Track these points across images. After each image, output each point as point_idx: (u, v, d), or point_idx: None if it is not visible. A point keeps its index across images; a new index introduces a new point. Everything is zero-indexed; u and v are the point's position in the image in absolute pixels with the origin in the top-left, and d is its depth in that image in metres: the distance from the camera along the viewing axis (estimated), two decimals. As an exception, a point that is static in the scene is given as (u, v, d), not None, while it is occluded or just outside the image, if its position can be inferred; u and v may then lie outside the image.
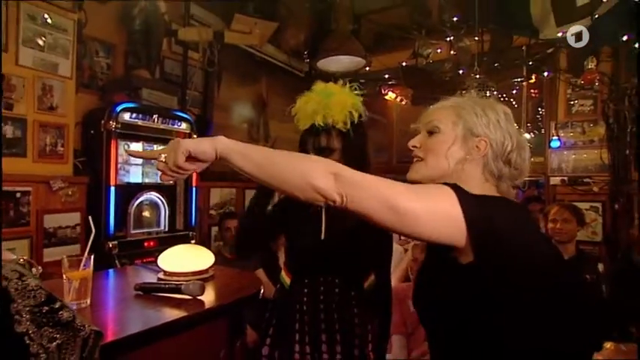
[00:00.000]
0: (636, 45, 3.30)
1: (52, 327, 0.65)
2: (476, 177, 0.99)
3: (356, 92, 1.64)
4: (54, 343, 0.64)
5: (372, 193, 0.83)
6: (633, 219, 3.60)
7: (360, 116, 1.59)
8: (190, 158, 0.87)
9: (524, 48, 3.89)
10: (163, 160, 0.89)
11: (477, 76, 3.38)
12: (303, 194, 0.86)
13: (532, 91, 4.20)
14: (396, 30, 4.58)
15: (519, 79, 4.00)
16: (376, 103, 5.52)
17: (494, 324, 0.84)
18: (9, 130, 2.40)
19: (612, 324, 2.10)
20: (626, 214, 3.63)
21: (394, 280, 2.84)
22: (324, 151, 1.58)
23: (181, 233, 3.29)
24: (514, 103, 4.14)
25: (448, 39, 4.00)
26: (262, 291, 1.59)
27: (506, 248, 0.83)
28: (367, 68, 4.36)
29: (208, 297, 1.36)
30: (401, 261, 3.03)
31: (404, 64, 4.43)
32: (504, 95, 3.76)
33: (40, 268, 2.46)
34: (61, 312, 0.67)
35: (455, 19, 3.83)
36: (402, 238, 3.73)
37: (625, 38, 3.39)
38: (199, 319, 1.25)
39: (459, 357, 0.93)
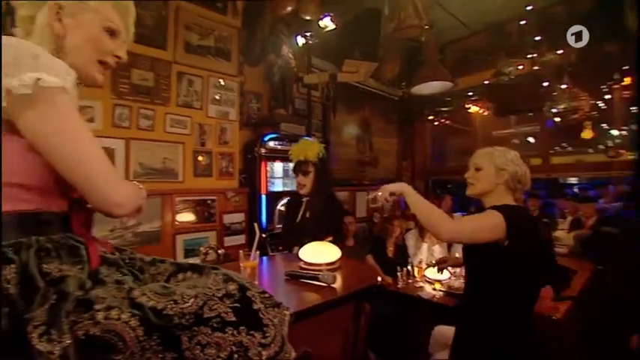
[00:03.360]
0: None
1: (272, 307, 0.73)
2: (503, 192, 1.39)
3: (320, 142, 2.47)
4: (276, 319, 0.72)
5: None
6: None
7: (321, 155, 2.31)
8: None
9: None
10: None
11: (564, 86, 2.86)
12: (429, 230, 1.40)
13: (624, 92, 3.42)
14: (475, 54, 4.21)
15: (610, 83, 3.27)
16: (460, 116, 5.12)
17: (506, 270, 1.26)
18: (205, 160, 2.82)
19: None
20: None
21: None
22: (306, 173, 2.27)
23: (311, 226, 3.43)
24: (603, 105, 3.41)
25: (529, 56, 3.49)
26: (380, 279, 1.60)
27: (522, 234, 1.25)
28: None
29: (339, 285, 1.40)
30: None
31: (486, 82, 4.03)
32: (594, 101, 3.12)
33: (223, 250, 2.85)
34: (273, 298, 0.76)
35: (537, 38, 3.32)
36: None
37: None
38: (333, 303, 1.29)
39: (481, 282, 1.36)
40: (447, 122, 5.15)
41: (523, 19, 3.40)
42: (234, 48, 3.00)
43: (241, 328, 0.66)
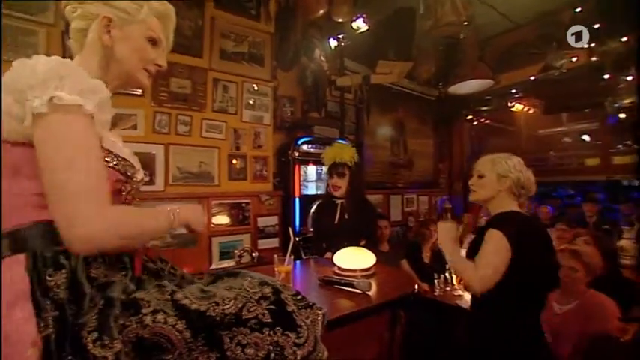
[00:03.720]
0: None
1: (304, 308, 0.75)
2: (506, 198, 1.44)
3: (353, 145, 2.62)
4: (309, 319, 0.73)
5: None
6: None
7: (356, 159, 2.35)
8: None
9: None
10: None
11: (630, 78, 2.52)
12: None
13: None
14: (520, 48, 3.92)
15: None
16: (502, 115, 4.85)
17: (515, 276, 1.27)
18: (239, 164, 2.87)
19: None
20: None
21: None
22: (341, 175, 2.29)
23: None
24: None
25: (585, 46, 3.12)
26: (416, 287, 1.53)
27: (521, 240, 1.28)
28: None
29: (374, 292, 1.36)
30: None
31: (532, 77, 3.74)
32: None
33: (257, 253, 2.88)
34: (305, 299, 0.77)
35: (596, 26, 2.94)
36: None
37: None
38: (369, 311, 1.25)
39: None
40: (487, 122, 4.90)
41: (577, 7, 3.03)
42: (267, 53, 3.04)
43: (277, 328, 0.68)
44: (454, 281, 2.60)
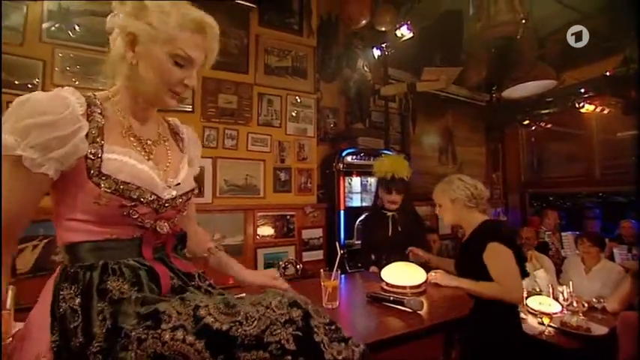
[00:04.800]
0: None
1: (338, 342, 0.66)
2: (469, 213, 1.71)
3: (404, 158, 2.44)
4: (341, 356, 0.64)
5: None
6: None
7: (410, 172, 2.30)
8: None
9: None
10: None
11: None
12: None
13: None
14: (590, 41, 3.49)
15: None
16: (568, 117, 4.40)
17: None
18: (282, 176, 2.91)
19: None
20: None
21: (616, 304, 2.13)
22: (400, 191, 2.24)
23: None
24: None
25: None
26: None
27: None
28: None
29: (426, 312, 1.26)
30: (621, 282, 2.24)
31: (607, 73, 3.34)
32: None
33: (301, 265, 2.86)
34: (342, 332, 0.68)
35: None
36: (623, 256, 2.83)
37: None
38: (421, 332, 1.15)
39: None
40: (548, 126, 4.48)
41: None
42: (310, 66, 3.09)
43: (300, 358, 0.61)
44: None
